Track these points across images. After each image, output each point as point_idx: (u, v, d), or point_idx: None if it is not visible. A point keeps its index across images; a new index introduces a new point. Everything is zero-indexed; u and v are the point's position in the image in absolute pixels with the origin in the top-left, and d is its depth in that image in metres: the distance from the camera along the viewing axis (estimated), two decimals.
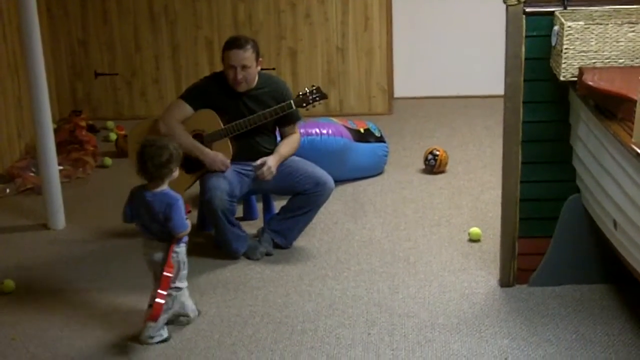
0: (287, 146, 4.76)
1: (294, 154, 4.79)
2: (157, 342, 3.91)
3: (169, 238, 3.86)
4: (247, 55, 4.58)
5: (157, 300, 3.82)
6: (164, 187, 3.88)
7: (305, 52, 7.20)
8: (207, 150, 4.65)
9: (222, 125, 4.65)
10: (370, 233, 5.03)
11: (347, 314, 4.14)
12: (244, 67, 4.58)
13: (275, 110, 4.66)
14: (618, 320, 3.98)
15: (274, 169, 4.65)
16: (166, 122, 4.68)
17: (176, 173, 3.91)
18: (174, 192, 3.91)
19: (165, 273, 3.83)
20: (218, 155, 4.63)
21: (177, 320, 4.05)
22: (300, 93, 4.72)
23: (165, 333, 3.94)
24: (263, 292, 4.37)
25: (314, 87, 4.74)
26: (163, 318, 3.91)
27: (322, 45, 7.18)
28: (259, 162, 4.64)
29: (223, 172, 4.61)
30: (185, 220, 3.87)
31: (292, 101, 4.67)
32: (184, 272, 3.96)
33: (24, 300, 4.37)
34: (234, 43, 4.60)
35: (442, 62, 7.57)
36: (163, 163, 3.82)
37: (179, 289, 3.96)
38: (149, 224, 3.88)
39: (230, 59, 4.58)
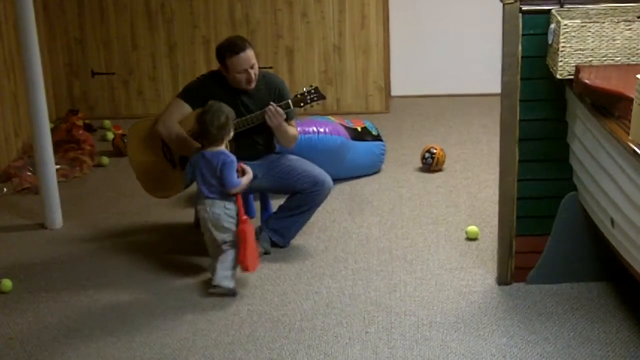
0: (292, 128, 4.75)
1: (293, 143, 4.78)
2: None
3: (218, 193, 4.30)
4: (252, 54, 4.60)
5: (254, 250, 4.34)
6: (222, 147, 4.30)
7: (302, 51, 7.20)
8: None
9: None
10: (367, 231, 5.03)
11: (344, 312, 4.14)
12: (253, 65, 4.60)
13: None
14: (616, 318, 3.98)
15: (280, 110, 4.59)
16: (165, 123, 4.67)
17: (231, 134, 4.35)
18: (229, 152, 4.33)
19: (244, 218, 4.30)
20: None
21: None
22: (299, 93, 4.71)
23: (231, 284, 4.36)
24: (261, 290, 4.37)
25: (312, 88, 4.73)
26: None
27: (319, 44, 7.18)
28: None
29: None
30: (237, 179, 4.30)
31: (289, 101, 4.66)
32: None
33: (22, 299, 4.37)
34: (238, 47, 4.57)
35: (439, 60, 7.57)
36: (222, 125, 4.26)
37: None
38: (210, 180, 4.28)
39: (240, 64, 4.57)
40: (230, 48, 4.59)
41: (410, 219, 5.19)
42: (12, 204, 5.63)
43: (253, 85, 4.64)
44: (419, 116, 7.17)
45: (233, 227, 4.30)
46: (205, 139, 4.31)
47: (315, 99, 4.70)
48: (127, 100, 7.38)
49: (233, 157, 4.29)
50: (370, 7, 7.07)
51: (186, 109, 4.68)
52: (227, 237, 4.30)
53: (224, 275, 4.29)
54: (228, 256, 4.31)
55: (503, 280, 4.33)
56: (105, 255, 4.84)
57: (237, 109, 4.65)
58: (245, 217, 4.34)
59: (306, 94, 4.69)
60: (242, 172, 4.37)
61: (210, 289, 4.31)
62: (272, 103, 4.58)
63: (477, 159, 6.14)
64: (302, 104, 4.69)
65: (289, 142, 4.75)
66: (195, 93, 4.70)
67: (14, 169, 5.94)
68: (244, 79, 4.60)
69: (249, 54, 4.57)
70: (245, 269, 4.33)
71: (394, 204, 5.42)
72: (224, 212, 4.28)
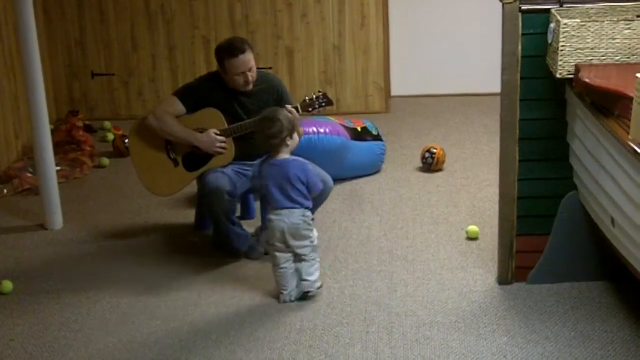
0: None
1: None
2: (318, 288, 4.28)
3: (300, 201, 4.15)
4: (250, 57, 4.60)
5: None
6: (287, 155, 4.18)
7: (302, 51, 7.20)
8: (200, 134, 4.63)
9: (226, 125, 4.65)
10: (368, 231, 5.03)
11: (345, 312, 4.14)
12: (251, 68, 4.60)
13: None
14: (616, 317, 3.98)
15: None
16: (157, 115, 4.68)
17: (293, 140, 4.20)
18: (300, 158, 4.22)
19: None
20: (212, 137, 4.61)
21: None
22: (307, 98, 4.72)
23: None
24: (261, 291, 4.37)
25: (321, 93, 4.75)
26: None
27: (319, 44, 7.18)
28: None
29: (222, 162, 4.61)
30: (319, 182, 4.25)
31: (298, 105, 4.67)
32: None
33: (22, 301, 4.37)
34: (237, 49, 4.57)
35: (439, 60, 7.57)
36: (276, 133, 4.11)
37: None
38: (286, 189, 4.12)
39: (237, 66, 4.57)
40: (228, 50, 4.59)
41: (411, 218, 5.19)
42: (12, 205, 5.63)
43: (250, 87, 4.64)
44: (419, 116, 7.17)
45: (310, 234, 4.18)
46: (269, 149, 4.21)
47: (324, 104, 4.73)
48: (127, 101, 7.38)
49: (307, 162, 4.22)
50: (369, 7, 7.07)
51: (179, 107, 4.68)
52: (307, 242, 4.18)
53: (312, 281, 4.24)
54: (311, 265, 4.22)
55: (503, 279, 4.33)
56: (105, 256, 4.84)
57: (235, 110, 4.67)
58: None
59: (314, 99, 4.70)
60: None
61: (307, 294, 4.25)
62: (287, 107, 4.58)
63: (477, 158, 6.14)
64: (310, 109, 4.71)
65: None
66: (191, 93, 4.70)
67: (14, 170, 5.94)
68: (242, 81, 4.60)
69: (247, 56, 4.57)
70: None
71: (394, 203, 5.42)
72: (303, 220, 4.14)
